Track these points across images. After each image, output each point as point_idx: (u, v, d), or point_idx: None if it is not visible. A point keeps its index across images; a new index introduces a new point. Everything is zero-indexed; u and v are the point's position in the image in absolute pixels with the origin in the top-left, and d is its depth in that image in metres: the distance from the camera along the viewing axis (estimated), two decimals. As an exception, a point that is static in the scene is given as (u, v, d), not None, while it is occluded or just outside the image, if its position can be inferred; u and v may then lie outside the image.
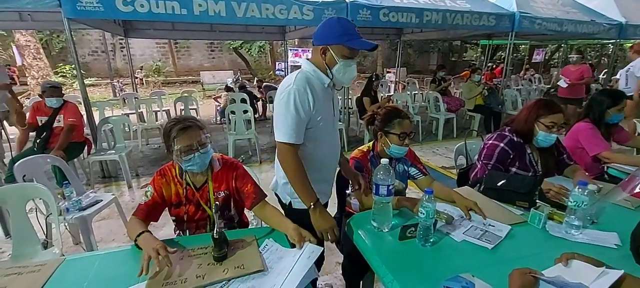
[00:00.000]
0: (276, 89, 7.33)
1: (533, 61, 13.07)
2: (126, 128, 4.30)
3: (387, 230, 1.34)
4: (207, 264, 1.16)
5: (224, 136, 4.71)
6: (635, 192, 0.71)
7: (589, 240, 1.28)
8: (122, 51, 13.91)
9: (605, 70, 9.48)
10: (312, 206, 1.37)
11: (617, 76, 5.22)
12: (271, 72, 14.68)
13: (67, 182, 2.28)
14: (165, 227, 2.20)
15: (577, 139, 2.25)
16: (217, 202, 1.27)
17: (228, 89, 7.35)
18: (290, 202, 1.50)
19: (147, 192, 1.43)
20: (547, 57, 14.26)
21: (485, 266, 1.15)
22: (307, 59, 1.44)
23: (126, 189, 3.79)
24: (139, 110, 5.77)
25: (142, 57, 14.72)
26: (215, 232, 1.15)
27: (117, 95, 8.77)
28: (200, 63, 15.72)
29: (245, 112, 4.86)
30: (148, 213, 1.41)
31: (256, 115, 7.39)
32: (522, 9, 5.13)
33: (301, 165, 1.38)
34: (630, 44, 5.03)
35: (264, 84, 8.32)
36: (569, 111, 5.19)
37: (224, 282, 1.07)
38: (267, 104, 7.41)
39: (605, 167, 2.17)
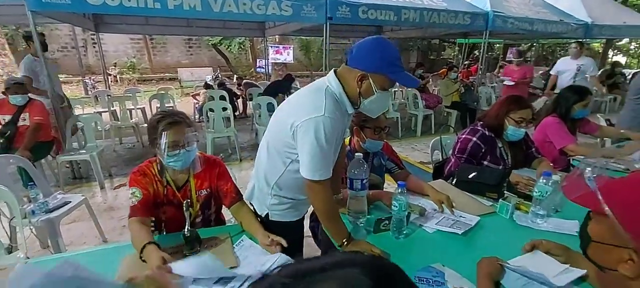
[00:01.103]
0: (257, 86, 7.31)
1: (507, 59, 13.52)
2: (98, 127, 4.14)
3: (362, 223, 1.36)
4: (178, 263, 1.13)
5: (203, 134, 4.61)
6: (575, 197, 0.71)
7: (553, 228, 1.34)
8: (94, 47, 13.34)
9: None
10: (345, 242, 1.21)
11: (554, 71, 5.33)
12: (252, 69, 14.50)
13: (32, 183, 2.17)
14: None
15: (545, 133, 2.34)
16: (188, 199, 1.24)
17: (207, 86, 7.20)
18: (267, 213, 1.40)
19: (134, 193, 1.32)
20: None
21: (455, 255, 1.19)
22: (336, 76, 1.23)
23: (98, 190, 3.65)
24: (111, 108, 5.56)
25: (115, 53, 14.17)
26: (186, 229, 1.13)
27: (89, 92, 8.42)
28: (178, 60, 15.31)
29: (225, 109, 4.78)
30: (147, 209, 1.33)
31: (236, 113, 7.29)
32: (496, 9, 5.29)
33: (334, 203, 1.27)
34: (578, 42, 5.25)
35: (244, 81, 8.21)
36: None
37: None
38: (247, 102, 7.31)
39: (571, 160, 2.28)
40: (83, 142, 3.98)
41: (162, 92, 6.70)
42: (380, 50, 1.15)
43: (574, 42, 5.24)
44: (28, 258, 1.70)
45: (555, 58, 14.45)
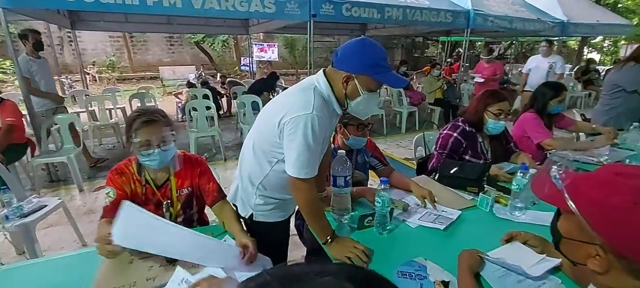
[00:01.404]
0: (241, 84, 7.23)
1: (482, 56, 13.82)
2: (76, 127, 4.00)
3: (346, 220, 1.36)
4: (159, 266, 1.11)
5: (186, 134, 4.53)
6: (543, 196, 0.73)
7: (531, 219, 1.39)
8: (70, 45, 12.87)
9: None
10: (329, 240, 1.21)
11: (525, 70, 5.40)
12: (236, 67, 14.32)
13: (5, 187, 2.08)
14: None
15: (523, 128, 2.41)
16: (168, 200, 1.22)
17: (190, 84, 7.07)
18: (251, 214, 1.38)
19: (108, 193, 1.31)
20: (500, 53, 15.16)
21: (437, 249, 1.21)
22: (324, 76, 1.22)
23: (77, 193, 3.53)
24: (90, 108, 5.39)
25: (94, 51, 13.72)
26: (167, 231, 1.10)
27: (66, 92, 8.13)
28: (159, 58, 14.96)
29: (208, 108, 4.70)
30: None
31: (220, 112, 7.19)
32: (476, 7, 5.41)
33: (319, 200, 1.27)
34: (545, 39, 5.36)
35: (228, 79, 8.10)
36: None
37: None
38: (232, 100, 7.22)
39: (547, 153, 2.35)
40: (60, 144, 3.85)
41: (143, 91, 6.54)
42: (365, 51, 1.15)
43: (544, 40, 5.30)
44: (2, 264, 1.64)
45: (535, 55, 14.89)
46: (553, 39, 6.19)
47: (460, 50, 8.80)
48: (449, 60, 10.74)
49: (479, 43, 16.31)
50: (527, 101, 2.52)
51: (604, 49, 18.50)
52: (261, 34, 8.81)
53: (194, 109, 4.65)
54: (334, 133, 1.77)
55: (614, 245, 0.59)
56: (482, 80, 5.55)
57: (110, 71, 13.56)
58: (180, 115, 6.84)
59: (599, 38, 16.50)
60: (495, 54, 5.89)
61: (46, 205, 2.25)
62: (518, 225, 1.35)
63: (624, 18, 9.40)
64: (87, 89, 6.99)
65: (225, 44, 14.72)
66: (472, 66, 13.04)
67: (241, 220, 1.40)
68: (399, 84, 1.21)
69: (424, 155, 2.44)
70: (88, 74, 11.74)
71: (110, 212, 1.26)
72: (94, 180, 3.90)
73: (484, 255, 1.05)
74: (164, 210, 1.13)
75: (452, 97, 6.12)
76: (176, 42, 15.13)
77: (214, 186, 1.43)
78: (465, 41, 5.90)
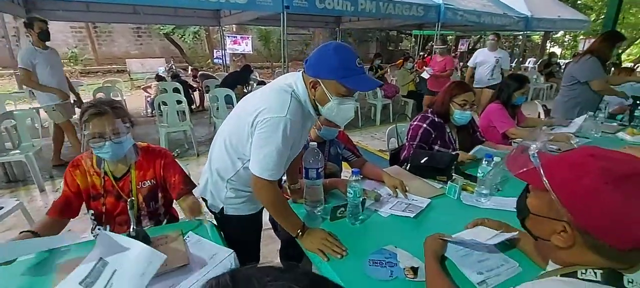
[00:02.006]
0: (214, 77, 7.05)
1: (459, 51, 14.27)
2: (35, 124, 3.75)
3: (319, 212, 1.37)
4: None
5: (156, 129, 4.36)
6: (510, 170, 0.78)
7: (495, 205, 1.45)
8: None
9: (517, 59, 10.75)
10: (300, 233, 1.20)
11: (471, 63, 5.22)
12: (209, 60, 13.93)
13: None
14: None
15: (489, 119, 2.51)
16: (132, 198, 1.17)
17: (159, 78, 6.81)
18: (222, 207, 1.36)
19: (58, 189, 1.30)
20: (470, 47, 15.68)
21: (408, 237, 1.24)
22: (302, 79, 1.19)
23: (38, 194, 3.32)
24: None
25: (54, 43, 12.78)
26: (131, 229, 1.07)
27: (23, 87, 7.58)
28: (126, 50, 14.27)
29: (179, 102, 4.55)
30: (61, 210, 1.31)
31: (193, 106, 7.00)
32: (447, 1, 5.55)
33: (282, 197, 1.25)
34: (501, 33, 5.35)
35: (201, 72, 7.87)
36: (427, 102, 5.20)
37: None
38: (204, 94, 7.03)
39: (512, 142, 2.47)
40: (17, 142, 3.60)
41: (109, 85, 6.24)
42: (330, 53, 1.11)
43: (491, 33, 5.07)
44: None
45: (502, 49, 15.52)
46: (518, 33, 6.47)
47: (432, 43, 9.03)
48: (421, 53, 10.97)
49: (450, 37, 16.78)
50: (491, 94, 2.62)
51: (565, 43, 19.57)
52: (234, 25, 8.62)
53: (164, 103, 4.48)
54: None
55: (580, 222, 0.62)
56: (428, 75, 5.28)
57: (72, 64, 12.79)
58: (149, 110, 6.58)
59: (561, 33, 17.45)
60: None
61: (2, 207, 2.11)
62: (484, 211, 1.41)
63: (583, 14, 9.98)
64: (47, 82, 6.56)
65: (197, 36, 14.27)
66: (444, 59, 13.43)
67: (211, 214, 1.38)
68: (368, 87, 1.16)
69: (397, 146, 2.49)
70: (48, 67, 11.03)
71: (53, 211, 1.29)
72: (56, 179, 3.68)
73: (445, 238, 1.10)
74: (128, 207, 1.08)
75: (424, 90, 6.25)
76: (144, 34, 14.48)
77: (179, 178, 1.39)
78: (436, 35, 6.05)
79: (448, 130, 1.97)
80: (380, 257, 1.11)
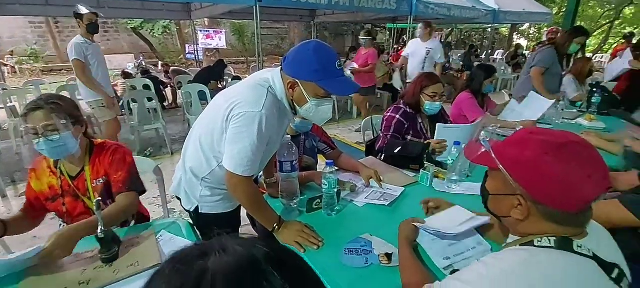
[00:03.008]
0: (186, 73, 6.85)
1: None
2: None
3: (295, 205, 1.37)
4: (93, 268, 1.03)
5: (126, 128, 4.20)
6: (466, 155, 0.85)
7: (465, 191, 1.51)
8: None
9: (486, 51, 11.14)
10: (277, 227, 1.20)
11: (404, 53, 4.71)
12: (181, 55, 13.49)
13: None
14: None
15: (460, 108, 2.60)
16: (98, 199, 1.12)
17: (126, 75, 6.50)
18: (197, 206, 1.32)
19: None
20: (442, 40, 16.10)
21: (382, 225, 1.26)
22: (280, 75, 1.17)
23: (-2, 199, 3.13)
24: (9, 104, 4.75)
25: (11, 39, 12.03)
26: (99, 230, 1.03)
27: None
28: (92, 46, 13.57)
29: (150, 99, 4.39)
30: (27, 211, 1.33)
31: (165, 104, 6.77)
32: (418, -6, 5.65)
33: (258, 192, 1.24)
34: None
35: (172, 68, 7.62)
36: (356, 100, 5.02)
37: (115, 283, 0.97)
38: (177, 91, 6.82)
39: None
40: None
41: (73, 82, 5.91)
42: (310, 55, 1.09)
43: (422, 22, 4.51)
44: None
45: (472, 42, 16.04)
46: (487, 26, 6.67)
47: (406, 37, 9.19)
48: (395, 46, 11.14)
49: (423, 30, 17.13)
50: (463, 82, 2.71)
51: (530, 36, 20.48)
52: (206, 19, 8.38)
53: (134, 101, 4.31)
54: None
55: (530, 192, 0.68)
56: (350, 72, 4.64)
57: (32, 61, 12.03)
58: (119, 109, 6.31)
59: (526, 25, 18.22)
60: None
61: (-45, 216, 1.96)
62: (455, 196, 1.46)
63: (546, 7, 10.45)
64: (5, 82, 6.16)
65: (167, 31, 13.75)
66: (418, 52, 13.70)
67: (187, 212, 1.35)
68: (346, 92, 1.15)
69: (372, 138, 2.53)
70: (6, 65, 10.33)
71: (24, 208, 1.31)
72: (19, 183, 3.47)
73: (418, 224, 1.13)
74: (95, 208, 1.04)
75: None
76: (111, 29, 13.80)
77: (122, 176, 1.31)
78: (409, 28, 6.15)
79: (420, 120, 2.02)
80: (356, 246, 1.13)
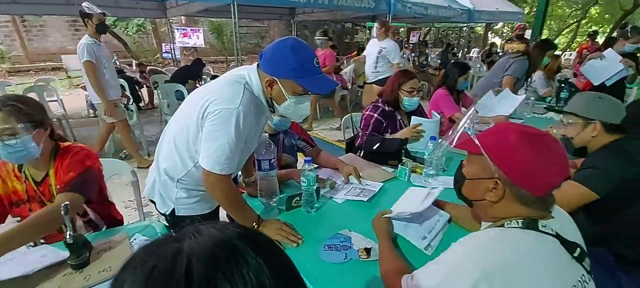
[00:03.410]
0: (163, 73, 6.66)
1: (410, 42, 14.87)
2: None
3: (274, 203, 1.36)
4: (62, 275, 0.99)
5: (100, 129, 4.04)
6: (454, 144, 0.92)
7: (442, 184, 1.53)
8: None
9: (463, 49, 11.45)
10: (256, 226, 1.19)
11: (365, 52, 4.58)
12: (157, 55, 13.11)
13: None
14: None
15: (437, 104, 2.66)
16: (67, 203, 1.07)
17: None
18: (173, 209, 1.28)
19: None
20: (420, 39, 16.41)
21: (361, 220, 1.27)
22: (256, 72, 1.16)
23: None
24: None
25: (-27, 39, 11.36)
26: (68, 236, 0.98)
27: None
28: (62, 45, 12.92)
29: (125, 100, 4.24)
30: None
31: (141, 104, 6.58)
32: (396, -7, 5.73)
33: (237, 192, 1.22)
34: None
35: (149, 67, 7.40)
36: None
37: (86, 290, 0.93)
38: (154, 91, 6.63)
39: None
40: None
41: (41, 84, 5.65)
42: (288, 53, 1.08)
43: (377, 20, 4.43)
44: None
45: (449, 40, 16.44)
46: (463, 25, 6.84)
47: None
48: (375, 45, 11.24)
49: (402, 29, 17.41)
50: (439, 79, 2.77)
51: (504, 34, 21.17)
52: (182, 17, 8.19)
53: (107, 102, 4.15)
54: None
55: (508, 174, 0.76)
56: None
57: (-3, 62, 11.39)
58: (90, 111, 6.07)
59: (500, 24, 18.83)
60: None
61: None
62: (432, 191, 1.49)
63: (518, 6, 10.84)
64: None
65: (142, 29, 13.32)
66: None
67: (163, 215, 1.31)
68: (324, 90, 1.14)
69: (353, 135, 2.55)
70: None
71: None
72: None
73: (387, 216, 1.16)
74: (63, 212, 0.99)
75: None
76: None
77: (71, 177, 1.24)
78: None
79: (399, 117, 2.05)
80: (336, 242, 1.14)
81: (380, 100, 2.07)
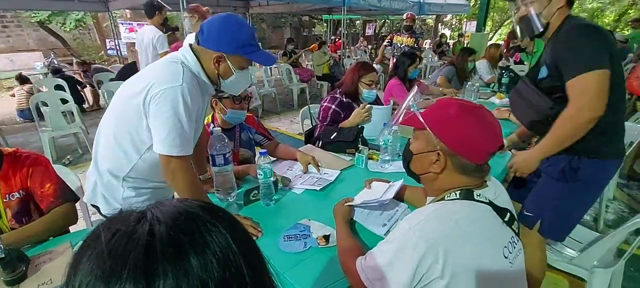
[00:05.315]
0: (108, 70, 6.20)
1: (366, 34, 15.18)
2: None
3: (232, 198, 1.34)
4: (-1, 291, 0.90)
5: (38, 135, 3.68)
6: (400, 121, 0.98)
7: (397, 169, 1.61)
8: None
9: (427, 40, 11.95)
10: None
11: None
12: (102, 52, 12.14)
13: None
14: None
15: (391, 93, 2.76)
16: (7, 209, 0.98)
17: (23, 80, 5.51)
18: (120, 210, 1.23)
19: None
20: (376, 31, 16.80)
21: (321, 208, 1.29)
22: (191, 50, 1.14)
23: None
24: None
25: None
26: (0, 250, 0.89)
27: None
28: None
29: (65, 101, 3.89)
30: None
31: (85, 105, 6.09)
32: (350, -14, 5.80)
33: (198, 180, 1.19)
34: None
35: (94, 66, 6.84)
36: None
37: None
38: (99, 91, 6.14)
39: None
40: None
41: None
42: (234, 29, 1.11)
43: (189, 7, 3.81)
44: None
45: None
46: (417, 17, 7.09)
47: (341, 29, 9.43)
48: (332, 37, 11.36)
49: (358, 21, 17.69)
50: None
51: (453, 26, 22.36)
52: (127, 11, 7.63)
53: (45, 104, 3.79)
54: (212, 112, 1.69)
55: (448, 144, 0.82)
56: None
57: None
58: (19, 119, 5.47)
59: (449, 16, 19.84)
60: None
61: None
62: (388, 175, 1.55)
63: (464, -1, 11.48)
64: None
65: (82, 24, 12.25)
66: (354, 43, 14.14)
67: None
68: (269, 62, 1.22)
69: (311, 126, 2.56)
70: None
71: None
72: None
73: (350, 203, 1.19)
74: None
75: (337, 72, 6.55)
76: (11, 23, 11.86)
77: (51, 189, 1.19)
78: (343, 19, 6.32)
79: (356, 108, 2.10)
80: (295, 232, 1.15)
81: (338, 91, 2.09)
